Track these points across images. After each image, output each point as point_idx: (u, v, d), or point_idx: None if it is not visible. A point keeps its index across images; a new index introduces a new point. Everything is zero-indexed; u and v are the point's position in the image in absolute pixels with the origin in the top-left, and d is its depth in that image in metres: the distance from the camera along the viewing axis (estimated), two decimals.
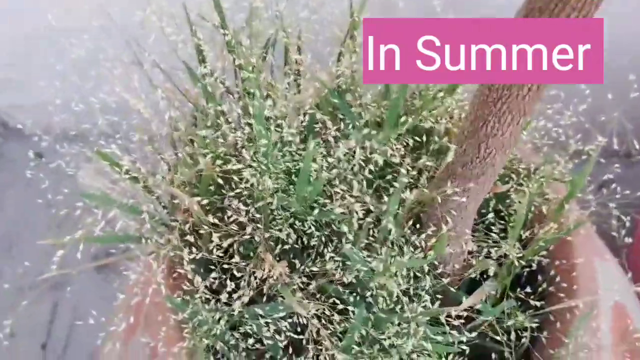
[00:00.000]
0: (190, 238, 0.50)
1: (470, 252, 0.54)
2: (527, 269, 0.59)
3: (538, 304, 0.56)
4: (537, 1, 0.35)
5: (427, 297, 0.49)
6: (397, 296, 0.48)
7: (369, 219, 0.50)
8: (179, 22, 0.54)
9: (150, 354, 0.60)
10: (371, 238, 0.49)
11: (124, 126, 0.52)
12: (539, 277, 0.59)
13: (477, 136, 0.43)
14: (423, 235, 0.49)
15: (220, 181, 0.51)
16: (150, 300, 0.54)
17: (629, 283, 0.70)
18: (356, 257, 0.46)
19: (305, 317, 0.47)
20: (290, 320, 0.49)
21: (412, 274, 0.49)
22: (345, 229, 0.48)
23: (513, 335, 0.54)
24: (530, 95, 0.39)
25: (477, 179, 0.46)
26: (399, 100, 0.52)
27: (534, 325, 0.55)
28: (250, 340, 0.49)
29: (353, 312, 0.47)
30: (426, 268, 0.50)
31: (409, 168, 0.50)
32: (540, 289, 0.58)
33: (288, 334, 0.49)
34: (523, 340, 0.54)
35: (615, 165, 0.61)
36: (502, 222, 0.58)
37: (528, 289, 0.56)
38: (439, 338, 0.49)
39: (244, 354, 0.52)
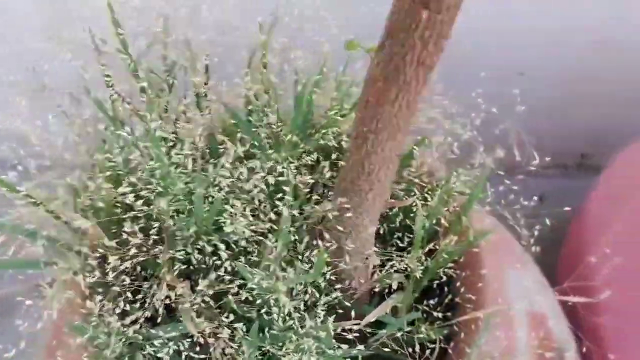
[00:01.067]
0: (93, 262, 0.51)
1: (375, 268, 0.55)
2: (437, 282, 0.60)
3: (444, 315, 0.57)
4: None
5: (322, 312, 0.49)
6: (293, 312, 0.49)
7: (269, 237, 0.51)
8: (82, 49, 0.54)
9: None
10: (265, 259, 0.50)
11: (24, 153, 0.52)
12: (447, 290, 0.60)
13: (360, 153, 0.44)
14: (315, 252, 0.50)
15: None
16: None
17: (549, 292, 0.72)
18: (248, 274, 0.47)
19: (202, 336, 0.48)
20: (190, 340, 0.49)
21: (309, 290, 0.50)
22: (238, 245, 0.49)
23: (417, 347, 0.55)
24: (401, 113, 0.41)
25: (366, 194, 0.47)
26: (297, 120, 0.53)
27: (440, 337, 0.56)
28: None
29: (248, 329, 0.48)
30: (323, 284, 0.50)
31: (304, 185, 0.51)
32: (447, 301, 0.59)
33: (187, 354, 0.49)
34: (427, 352, 0.55)
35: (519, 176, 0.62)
36: (410, 236, 0.59)
37: (435, 301, 0.57)
38: (338, 352, 0.49)
39: None
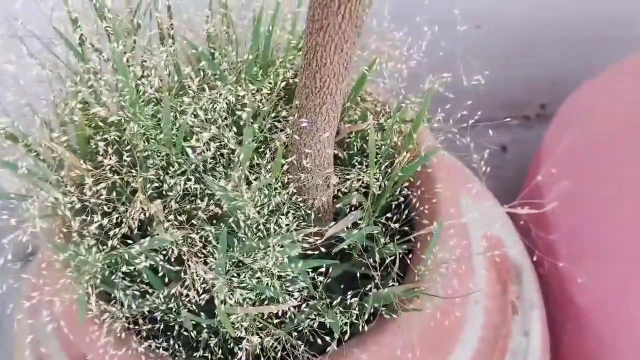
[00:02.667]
0: (71, 189, 0.54)
1: (335, 186, 0.60)
2: (396, 202, 0.64)
3: (403, 230, 0.62)
4: None
5: (287, 221, 0.54)
6: (258, 223, 0.53)
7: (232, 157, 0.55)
8: None
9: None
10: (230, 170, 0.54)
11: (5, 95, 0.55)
12: (406, 210, 0.64)
13: (311, 67, 0.49)
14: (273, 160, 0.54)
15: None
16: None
17: (500, 210, 0.77)
18: (215, 185, 0.51)
19: (176, 246, 0.52)
20: (163, 254, 0.54)
21: (274, 204, 0.55)
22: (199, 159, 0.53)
23: (377, 258, 0.59)
24: (344, 23, 0.45)
25: (320, 108, 0.51)
26: (253, 48, 0.57)
27: (401, 250, 0.61)
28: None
29: (213, 235, 0.52)
30: (286, 196, 0.55)
31: (260, 105, 0.55)
32: (405, 218, 0.63)
33: (163, 264, 0.53)
34: (387, 262, 0.59)
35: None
36: (368, 159, 0.63)
37: (394, 217, 0.62)
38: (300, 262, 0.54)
39: (128, 292, 0.56)
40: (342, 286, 0.62)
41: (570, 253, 0.80)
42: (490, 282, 0.72)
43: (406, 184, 0.64)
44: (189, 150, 0.53)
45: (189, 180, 0.54)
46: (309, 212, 0.58)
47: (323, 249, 0.57)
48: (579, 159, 0.85)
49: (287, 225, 0.54)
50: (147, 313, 0.58)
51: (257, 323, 0.54)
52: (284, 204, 0.55)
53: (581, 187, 0.81)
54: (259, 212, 0.52)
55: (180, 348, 0.57)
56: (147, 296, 0.57)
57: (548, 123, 1.03)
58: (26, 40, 0.57)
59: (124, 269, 0.54)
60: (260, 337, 0.52)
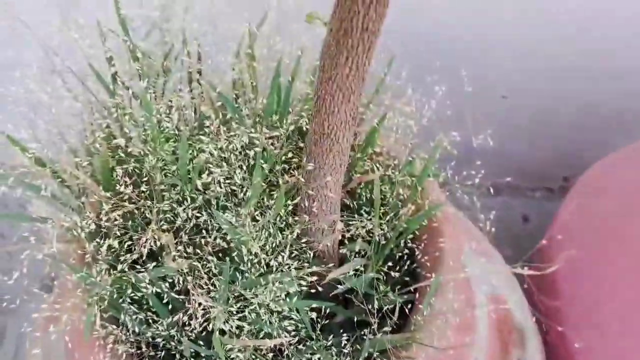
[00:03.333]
0: (90, 214, 0.58)
1: (341, 232, 0.62)
2: (400, 253, 0.66)
3: (404, 281, 0.64)
4: None
5: (290, 262, 0.56)
6: (261, 260, 0.55)
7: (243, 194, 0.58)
8: (89, 34, 0.62)
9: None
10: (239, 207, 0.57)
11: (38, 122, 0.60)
12: (409, 260, 0.66)
13: (320, 114, 0.52)
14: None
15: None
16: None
17: (507, 273, 0.78)
18: (222, 219, 0.54)
19: (181, 275, 0.55)
20: (169, 282, 0.56)
21: (279, 242, 0.57)
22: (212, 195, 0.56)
23: (377, 306, 0.61)
24: (352, 75, 0.48)
25: (327, 154, 0.54)
26: (272, 100, 0.61)
27: (401, 300, 0.63)
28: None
29: (217, 267, 0.54)
30: (290, 237, 0.57)
31: (271, 146, 0.58)
32: (407, 269, 0.65)
33: (168, 292, 0.56)
34: (385, 310, 0.61)
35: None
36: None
37: (397, 267, 0.64)
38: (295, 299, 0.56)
39: (134, 318, 0.59)
40: (341, 331, 0.64)
41: (571, 322, 0.81)
42: (490, 341, 0.73)
43: (413, 236, 0.66)
44: (199, 184, 0.56)
45: (200, 214, 0.57)
46: (312, 254, 0.61)
47: (327, 293, 0.59)
48: (589, 231, 0.87)
49: (287, 263, 0.56)
50: (150, 340, 0.60)
51: (253, 357, 0.56)
52: (289, 244, 0.57)
53: (588, 257, 0.83)
54: (262, 249, 0.55)
55: None
56: (152, 323, 0.59)
57: None
58: (64, 75, 0.61)
59: (132, 295, 0.57)
60: None
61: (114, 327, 0.58)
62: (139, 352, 0.59)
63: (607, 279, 0.82)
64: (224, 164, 0.57)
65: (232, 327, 0.53)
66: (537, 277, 0.91)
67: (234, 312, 0.54)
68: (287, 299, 0.56)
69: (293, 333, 0.57)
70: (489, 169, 0.82)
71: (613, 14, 1.07)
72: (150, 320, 0.59)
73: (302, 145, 0.65)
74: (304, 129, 0.64)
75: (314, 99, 0.52)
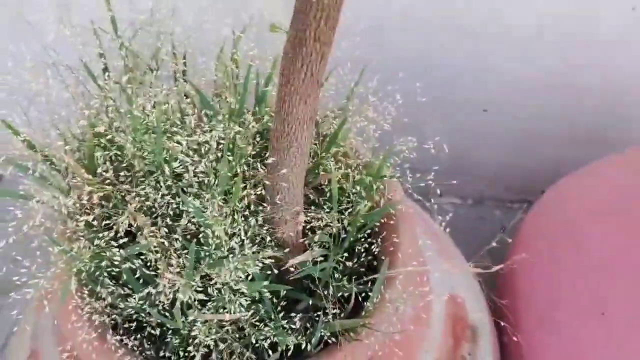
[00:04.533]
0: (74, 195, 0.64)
1: (302, 224, 0.68)
2: (360, 247, 0.72)
3: (360, 272, 0.70)
4: None
5: (251, 245, 0.62)
6: (224, 241, 0.61)
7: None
8: (83, 33, 0.69)
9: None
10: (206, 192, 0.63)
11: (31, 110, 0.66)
12: (366, 253, 0.72)
13: (280, 114, 0.58)
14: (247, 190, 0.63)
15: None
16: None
17: (467, 275, 0.84)
18: (190, 204, 0.60)
19: (153, 253, 0.61)
20: (143, 258, 0.62)
21: (243, 230, 0.63)
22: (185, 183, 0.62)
23: (331, 290, 0.67)
24: (307, 79, 0.54)
25: (288, 150, 0.60)
26: (243, 97, 0.67)
27: (356, 289, 0.68)
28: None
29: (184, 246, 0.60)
30: (254, 223, 0.63)
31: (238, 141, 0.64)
32: (366, 262, 0.71)
33: (140, 268, 0.62)
34: (338, 296, 0.67)
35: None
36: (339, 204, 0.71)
37: (349, 257, 0.70)
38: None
39: (110, 290, 0.65)
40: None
41: (527, 326, 0.87)
42: (443, 334, 0.79)
43: (372, 232, 0.72)
44: (168, 171, 0.62)
45: (173, 200, 0.63)
46: (276, 242, 0.67)
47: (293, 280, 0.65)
48: (547, 238, 0.93)
49: (247, 246, 0.62)
50: (123, 312, 0.66)
51: (215, 331, 0.62)
52: (250, 229, 0.63)
53: (545, 263, 0.89)
54: (225, 233, 0.61)
55: (149, 346, 0.65)
56: (127, 297, 0.65)
57: None
58: (58, 68, 0.67)
59: (109, 270, 0.63)
60: (214, 341, 0.60)
61: (91, 298, 0.64)
62: (112, 322, 0.65)
63: (561, 283, 0.88)
64: (196, 155, 0.63)
65: (195, 301, 0.59)
66: (498, 280, 0.97)
67: (198, 288, 0.60)
68: (247, 280, 0.61)
69: (252, 311, 0.63)
70: (470, 180, 0.87)
71: (593, 32, 1.13)
72: (125, 294, 0.65)
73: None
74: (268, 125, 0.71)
75: (276, 100, 0.58)
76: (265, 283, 0.63)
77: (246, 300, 0.61)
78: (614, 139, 1.31)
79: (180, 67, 0.72)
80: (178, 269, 0.61)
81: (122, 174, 0.64)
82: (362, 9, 1.05)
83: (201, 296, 0.60)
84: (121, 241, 0.63)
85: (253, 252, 0.62)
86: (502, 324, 0.86)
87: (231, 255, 0.61)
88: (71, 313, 0.64)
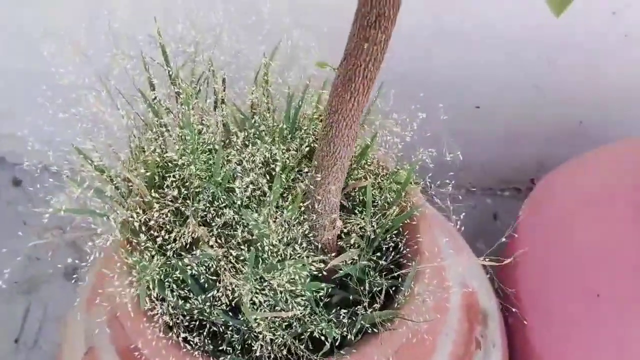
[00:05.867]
0: (139, 211, 0.73)
1: (339, 228, 0.77)
2: (386, 245, 0.81)
3: (390, 268, 0.79)
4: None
5: (301, 251, 0.71)
6: (279, 249, 0.70)
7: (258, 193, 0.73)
8: (136, 62, 0.77)
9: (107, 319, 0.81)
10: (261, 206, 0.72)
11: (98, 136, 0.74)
12: (394, 251, 0.81)
13: (327, 137, 0.67)
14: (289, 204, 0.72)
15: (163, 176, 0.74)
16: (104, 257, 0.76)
17: (476, 264, 0.94)
18: (249, 217, 0.69)
19: (216, 260, 0.69)
20: (205, 267, 0.71)
21: (291, 236, 0.72)
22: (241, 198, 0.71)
23: (367, 288, 0.76)
24: (353, 109, 0.63)
25: (332, 168, 0.69)
26: (287, 121, 0.76)
27: (387, 283, 0.78)
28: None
29: (246, 254, 0.69)
30: (298, 230, 0.72)
31: (286, 161, 0.73)
32: (392, 258, 0.81)
33: (204, 274, 0.71)
34: (374, 291, 0.76)
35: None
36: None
37: (384, 258, 0.79)
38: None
39: (175, 293, 0.73)
40: (338, 307, 0.79)
41: (528, 308, 0.98)
42: (460, 320, 0.89)
43: (397, 232, 0.81)
44: (236, 190, 0.70)
45: (229, 213, 0.72)
46: (317, 245, 0.76)
47: (326, 277, 0.74)
48: (541, 230, 1.03)
49: (298, 253, 0.71)
50: (186, 312, 0.75)
51: (271, 327, 0.71)
52: (300, 237, 0.72)
53: (539, 252, 0.99)
54: (279, 241, 0.70)
55: (209, 341, 0.74)
56: (188, 300, 0.74)
57: None
58: (114, 96, 0.76)
59: (174, 276, 0.72)
60: (273, 335, 0.69)
61: (159, 302, 0.73)
62: (176, 322, 0.74)
63: (553, 270, 0.99)
64: (250, 172, 0.72)
65: (255, 301, 0.68)
66: (501, 269, 1.07)
67: (258, 290, 0.69)
68: (301, 281, 0.71)
69: (302, 305, 0.72)
70: (464, 172, 0.97)
71: (583, 32, 1.23)
72: (186, 296, 0.74)
73: (309, 157, 0.80)
74: (311, 145, 0.79)
75: (323, 126, 0.67)
76: (322, 284, 0.72)
77: (302, 300, 0.70)
78: (597, 135, 1.42)
79: (221, 91, 0.80)
80: (236, 274, 0.70)
81: (183, 191, 0.72)
82: None
83: (262, 297, 0.69)
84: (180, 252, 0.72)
85: (303, 257, 0.71)
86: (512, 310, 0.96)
87: (285, 260, 0.70)
88: (141, 316, 0.72)
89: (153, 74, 0.77)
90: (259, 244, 0.70)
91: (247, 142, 0.76)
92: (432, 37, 1.20)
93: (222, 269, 0.69)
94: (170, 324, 0.74)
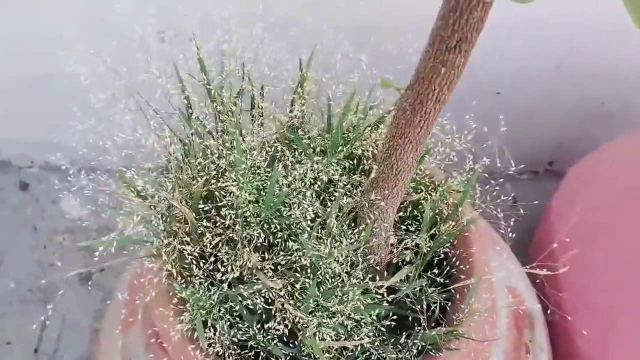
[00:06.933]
0: (187, 239, 0.69)
1: (392, 245, 0.74)
2: (437, 258, 0.79)
3: (444, 282, 0.76)
4: None
5: (360, 274, 0.68)
6: (339, 275, 0.67)
7: (318, 220, 0.69)
8: (173, 79, 0.73)
9: (146, 342, 0.78)
10: (320, 234, 0.68)
11: (137, 158, 0.70)
12: (446, 264, 0.79)
13: (390, 160, 0.63)
14: (356, 230, 0.69)
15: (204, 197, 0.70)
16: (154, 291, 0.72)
17: (520, 269, 0.92)
18: (308, 245, 0.65)
19: (272, 292, 0.66)
20: (262, 297, 0.68)
21: (349, 260, 0.69)
22: (302, 225, 0.68)
23: (425, 304, 0.73)
24: (422, 133, 0.60)
25: (392, 189, 0.66)
26: (337, 134, 0.72)
27: (441, 299, 0.75)
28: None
29: (308, 285, 0.66)
30: (359, 254, 0.69)
31: (345, 183, 0.70)
32: (446, 273, 0.78)
33: (261, 304, 0.67)
34: (433, 307, 0.74)
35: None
36: (417, 222, 0.78)
37: (437, 272, 0.76)
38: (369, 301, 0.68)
39: (228, 323, 0.70)
40: (392, 325, 0.76)
41: (575, 308, 0.95)
42: (509, 327, 0.86)
43: (446, 244, 0.78)
44: (299, 216, 0.67)
45: (283, 239, 0.69)
46: (371, 265, 0.73)
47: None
48: (587, 228, 1.01)
49: (359, 278, 0.68)
50: (237, 341, 0.72)
51: (332, 355, 0.68)
52: (360, 262, 0.69)
53: (588, 254, 0.97)
54: (341, 267, 0.67)
55: None
56: (240, 326, 0.70)
57: (554, 178, 1.17)
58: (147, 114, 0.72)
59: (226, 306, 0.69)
60: None
61: (211, 332, 0.70)
62: (229, 352, 0.71)
63: (597, 267, 0.97)
64: (305, 198, 0.68)
65: (321, 334, 0.65)
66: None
67: (324, 323, 0.66)
68: (364, 308, 0.68)
69: (369, 334, 0.69)
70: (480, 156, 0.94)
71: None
72: (237, 325, 0.71)
73: (354, 169, 0.77)
74: (359, 156, 0.76)
75: (385, 148, 0.63)
76: (384, 307, 0.69)
77: (368, 329, 0.68)
78: (613, 113, 1.40)
79: (262, 105, 0.76)
80: (296, 303, 0.67)
81: (232, 217, 0.69)
82: None
83: (324, 329, 0.66)
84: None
85: (366, 282, 0.68)
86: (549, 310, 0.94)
87: (344, 285, 0.67)
88: (187, 345, 0.69)
89: (192, 91, 0.73)
90: (319, 272, 0.67)
91: (294, 161, 0.73)
92: None
93: (283, 301, 0.66)
94: (222, 354, 0.71)
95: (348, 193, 0.74)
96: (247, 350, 0.72)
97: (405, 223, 0.78)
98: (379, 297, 0.70)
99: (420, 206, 0.78)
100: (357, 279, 0.68)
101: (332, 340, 0.67)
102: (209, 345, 0.69)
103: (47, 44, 1.14)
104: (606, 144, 1.17)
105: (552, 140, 1.50)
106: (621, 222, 0.98)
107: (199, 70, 0.73)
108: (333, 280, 0.68)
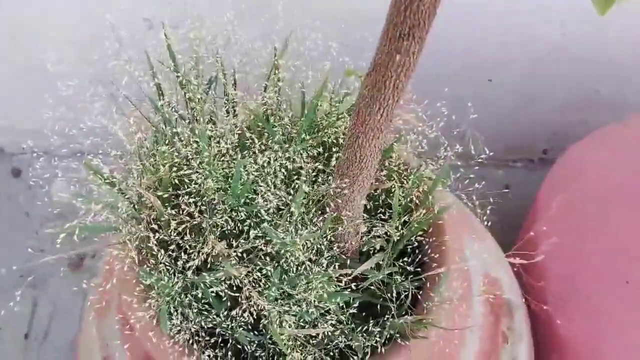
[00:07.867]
0: (154, 226, 0.69)
1: (364, 233, 0.74)
2: (411, 247, 0.78)
3: (415, 271, 0.76)
4: None
5: (325, 262, 0.68)
6: (304, 263, 0.67)
7: (285, 209, 0.69)
8: (143, 67, 0.72)
9: (121, 327, 0.79)
10: (287, 221, 0.68)
11: (105, 145, 0.70)
12: (418, 253, 0.78)
13: (353, 147, 0.63)
14: (321, 218, 0.69)
15: (175, 184, 0.70)
16: (119, 279, 0.72)
17: (502, 257, 0.91)
18: (272, 233, 0.65)
19: (238, 280, 0.66)
20: (227, 284, 0.68)
21: (316, 248, 0.69)
22: (265, 215, 0.67)
23: (395, 293, 0.73)
24: (382, 120, 0.59)
25: (357, 177, 0.65)
26: (305, 122, 0.71)
27: (412, 287, 0.75)
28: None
29: (270, 273, 0.66)
30: (325, 243, 0.69)
31: (311, 170, 0.69)
32: (418, 261, 0.77)
33: (227, 292, 0.67)
34: (403, 295, 0.73)
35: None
36: (391, 211, 0.77)
37: (409, 261, 0.76)
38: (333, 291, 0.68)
39: (196, 310, 0.70)
40: (363, 314, 0.76)
41: (555, 297, 0.95)
42: (485, 315, 0.86)
43: (420, 232, 0.78)
44: (260, 201, 0.67)
45: (249, 226, 0.69)
46: (340, 253, 0.73)
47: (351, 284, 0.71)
48: (568, 214, 1.00)
49: (325, 265, 0.68)
50: (205, 328, 0.72)
51: (298, 343, 0.68)
52: (325, 250, 0.69)
53: (568, 243, 0.96)
54: (304, 255, 0.67)
55: (231, 357, 0.71)
56: (208, 314, 0.70)
57: (550, 166, 1.16)
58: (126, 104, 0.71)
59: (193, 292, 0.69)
60: (301, 354, 0.67)
61: (180, 319, 0.70)
62: (197, 339, 0.71)
63: (587, 257, 0.96)
64: (272, 187, 0.68)
65: (285, 321, 0.65)
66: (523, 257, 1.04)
67: (286, 311, 0.66)
68: (328, 296, 0.67)
69: (332, 321, 0.69)
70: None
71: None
72: (205, 312, 0.71)
73: (320, 151, 0.76)
74: (328, 144, 0.76)
75: (348, 135, 0.63)
76: (347, 295, 0.69)
77: (332, 317, 0.67)
78: (606, 100, 1.38)
79: (234, 93, 0.76)
80: (261, 291, 0.67)
81: (198, 204, 0.69)
82: None
83: (288, 317, 0.66)
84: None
85: (330, 270, 0.68)
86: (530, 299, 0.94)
87: (309, 272, 0.67)
88: (161, 335, 0.69)
89: (161, 78, 0.72)
90: (282, 260, 0.67)
91: (263, 148, 0.72)
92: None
93: (247, 289, 0.66)
94: (192, 341, 0.71)
95: (316, 181, 0.73)
96: (216, 337, 0.72)
97: (379, 211, 0.77)
98: (342, 285, 0.69)
99: (392, 194, 0.77)
100: (321, 267, 0.68)
101: (294, 328, 0.66)
102: (178, 332, 0.69)
103: (35, 34, 1.14)
104: (596, 131, 1.15)
105: (547, 128, 1.49)
106: (613, 211, 0.97)
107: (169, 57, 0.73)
108: (298, 268, 0.68)
